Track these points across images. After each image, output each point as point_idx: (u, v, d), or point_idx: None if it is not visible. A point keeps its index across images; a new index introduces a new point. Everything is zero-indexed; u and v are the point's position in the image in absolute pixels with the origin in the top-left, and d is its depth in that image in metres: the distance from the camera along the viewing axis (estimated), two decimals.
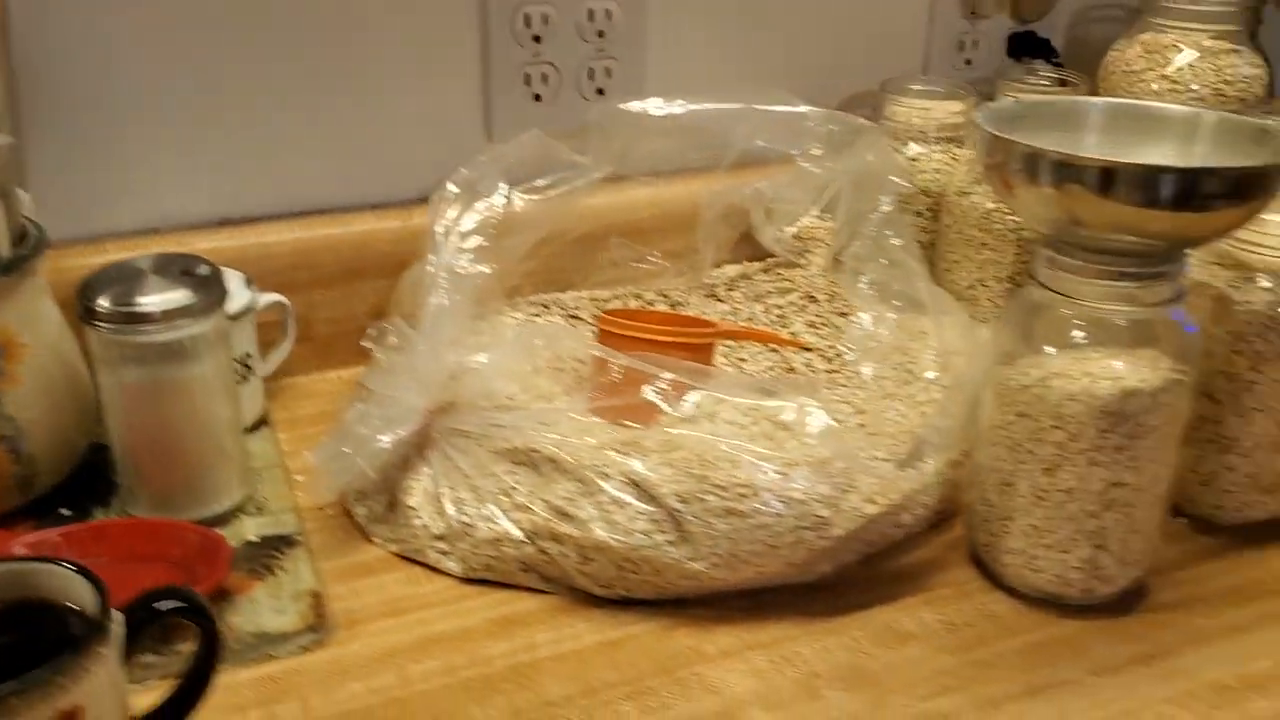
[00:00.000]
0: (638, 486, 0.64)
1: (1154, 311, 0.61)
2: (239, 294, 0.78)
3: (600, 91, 0.92)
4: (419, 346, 0.69)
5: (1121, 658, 0.62)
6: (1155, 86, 0.93)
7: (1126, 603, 0.66)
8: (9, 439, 0.67)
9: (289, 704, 0.58)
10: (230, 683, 0.59)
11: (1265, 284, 0.67)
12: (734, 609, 0.65)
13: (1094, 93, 0.97)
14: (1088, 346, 0.62)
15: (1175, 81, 0.92)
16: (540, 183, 0.81)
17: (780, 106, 0.80)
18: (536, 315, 0.86)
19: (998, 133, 0.59)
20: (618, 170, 0.83)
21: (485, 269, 0.72)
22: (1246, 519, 0.72)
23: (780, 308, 0.89)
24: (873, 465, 0.66)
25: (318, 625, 0.63)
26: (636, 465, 0.64)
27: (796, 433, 0.66)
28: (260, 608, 0.64)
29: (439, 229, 0.74)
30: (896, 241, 0.78)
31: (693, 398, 0.67)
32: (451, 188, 0.76)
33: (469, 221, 0.73)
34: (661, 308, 0.91)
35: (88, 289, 0.66)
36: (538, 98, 0.90)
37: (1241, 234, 0.68)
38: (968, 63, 1.03)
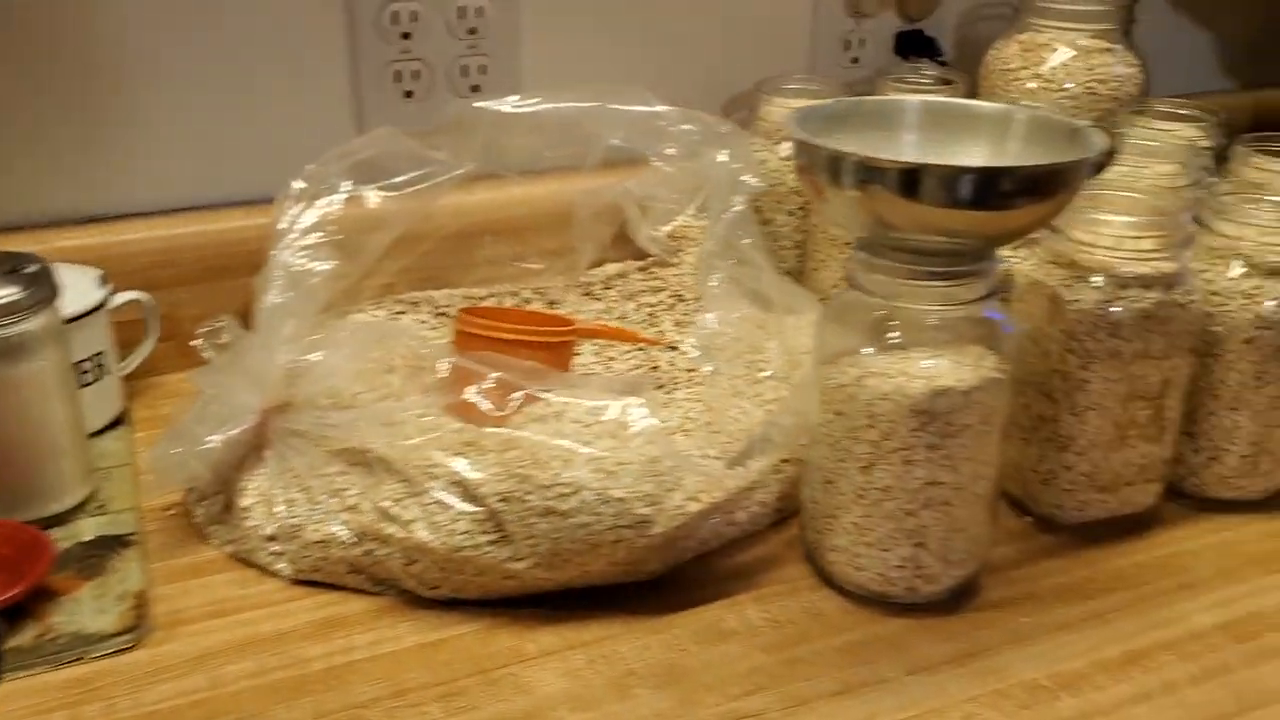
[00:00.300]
0: (462, 487, 0.64)
1: (968, 310, 0.61)
2: (90, 292, 0.78)
3: (475, 89, 0.92)
4: (253, 345, 0.69)
5: (939, 656, 0.62)
6: (1031, 85, 0.93)
7: (954, 601, 0.66)
8: None
9: (94, 706, 0.58)
10: (40, 685, 0.59)
11: (1096, 283, 0.67)
12: (562, 608, 0.65)
13: (973, 92, 0.97)
14: (904, 346, 0.62)
15: (1049, 81, 0.92)
16: (399, 179, 0.80)
17: (636, 106, 0.80)
18: (402, 313, 0.86)
19: (804, 136, 0.59)
20: (482, 167, 0.83)
21: (325, 266, 0.72)
22: (1086, 517, 0.72)
23: (651, 306, 0.89)
24: (701, 464, 0.66)
25: (137, 626, 0.63)
26: (460, 465, 0.64)
27: (642, 433, 0.66)
28: (83, 608, 0.64)
29: (282, 226, 0.74)
30: (746, 240, 0.78)
31: (516, 397, 0.66)
32: (297, 184, 0.75)
33: (309, 218, 0.73)
34: (536, 306, 0.91)
35: None
36: (409, 95, 0.90)
37: (1075, 233, 0.68)
38: (855, 61, 1.03)
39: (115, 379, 0.81)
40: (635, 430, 0.65)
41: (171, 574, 0.68)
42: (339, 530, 0.66)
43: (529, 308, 0.90)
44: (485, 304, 0.90)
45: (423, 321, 0.85)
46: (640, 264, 0.92)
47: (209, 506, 0.71)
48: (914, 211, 0.57)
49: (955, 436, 0.61)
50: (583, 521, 0.63)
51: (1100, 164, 0.64)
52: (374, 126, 0.89)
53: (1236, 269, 0.71)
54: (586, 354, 0.86)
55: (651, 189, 0.89)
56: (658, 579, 0.66)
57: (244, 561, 0.69)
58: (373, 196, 0.79)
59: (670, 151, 0.80)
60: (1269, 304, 0.69)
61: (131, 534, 0.70)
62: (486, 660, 0.62)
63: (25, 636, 0.61)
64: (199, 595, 0.66)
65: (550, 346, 0.77)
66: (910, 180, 0.56)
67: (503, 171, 0.86)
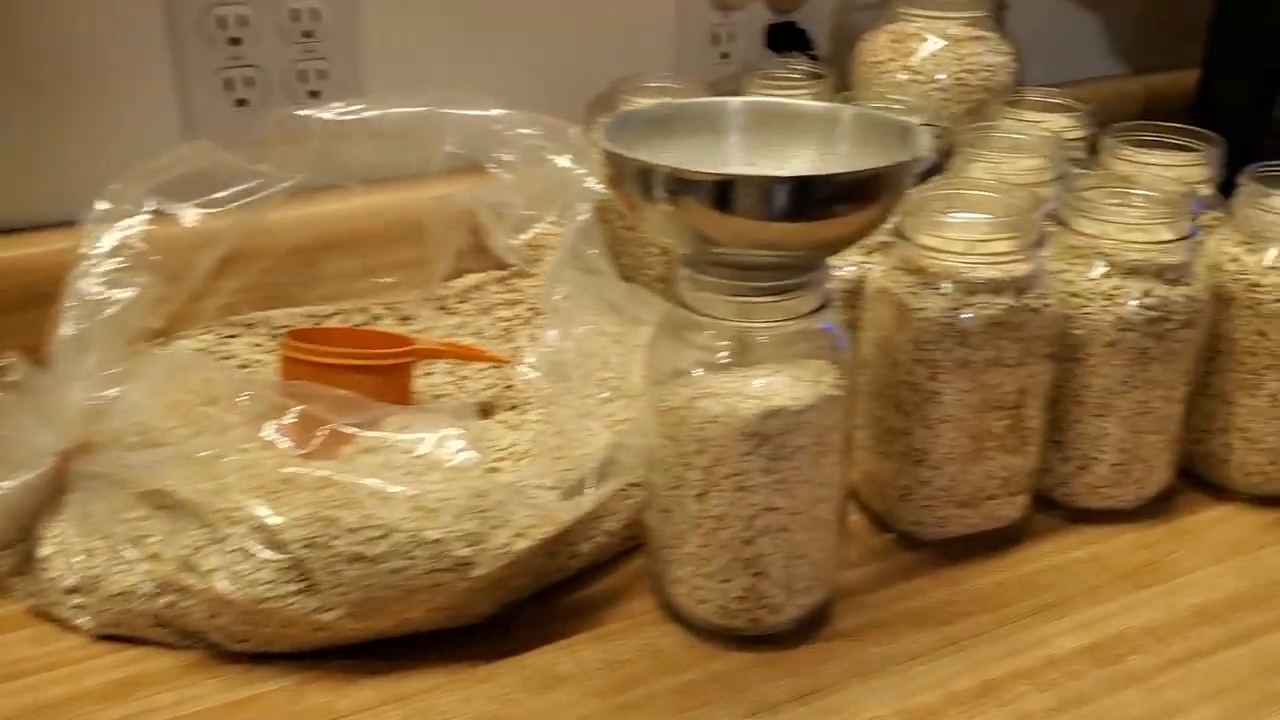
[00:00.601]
0: (264, 532, 0.59)
1: (800, 325, 0.57)
2: None
3: (314, 94, 0.87)
4: (47, 382, 0.64)
5: (780, 695, 0.58)
6: (901, 77, 0.89)
7: (802, 632, 0.62)
8: None
9: None
10: None
11: (943, 290, 0.63)
12: (383, 659, 0.61)
13: (845, 86, 0.93)
14: (735, 366, 0.57)
15: (918, 72, 0.88)
16: (221, 194, 0.75)
17: (470, 110, 0.75)
18: (235, 335, 0.81)
19: (611, 146, 0.54)
20: (317, 178, 0.78)
21: (127, 293, 0.66)
22: (948, 534, 0.68)
23: (507, 320, 0.85)
24: (533, 496, 0.62)
25: None
26: (260, 509, 0.59)
27: (459, 467, 0.61)
28: None
29: (83, 250, 0.68)
30: (593, 251, 0.74)
31: (321, 432, 0.62)
32: (101, 204, 0.70)
33: (109, 241, 0.67)
34: (388, 322, 0.86)
35: None
36: (243, 103, 0.85)
37: (921, 238, 0.64)
38: (724, 56, 0.99)
39: None
40: (453, 464, 0.60)
41: None
42: (139, 581, 0.61)
43: (377, 326, 0.85)
44: (330, 322, 0.85)
45: (257, 345, 0.80)
46: (500, 275, 0.88)
47: (9, 558, 0.65)
48: (729, 225, 0.53)
49: (789, 459, 0.57)
50: (395, 566, 0.58)
51: (936, 164, 0.60)
52: (207, 138, 0.84)
53: (1097, 269, 0.67)
54: (438, 374, 0.81)
55: (505, 196, 0.84)
56: (489, 622, 0.62)
57: (45, 616, 0.63)
58: (190, 214, 0.74)
59: (508, 157, 0.76)
60: (1131, 304, 0.66)
61: None
62: None
63: None
64: None
65: (382, 370, 0.72)
66: (721, 193, 0.52)
67: (344, 182, 0.81)
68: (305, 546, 0.58)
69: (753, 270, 0.56)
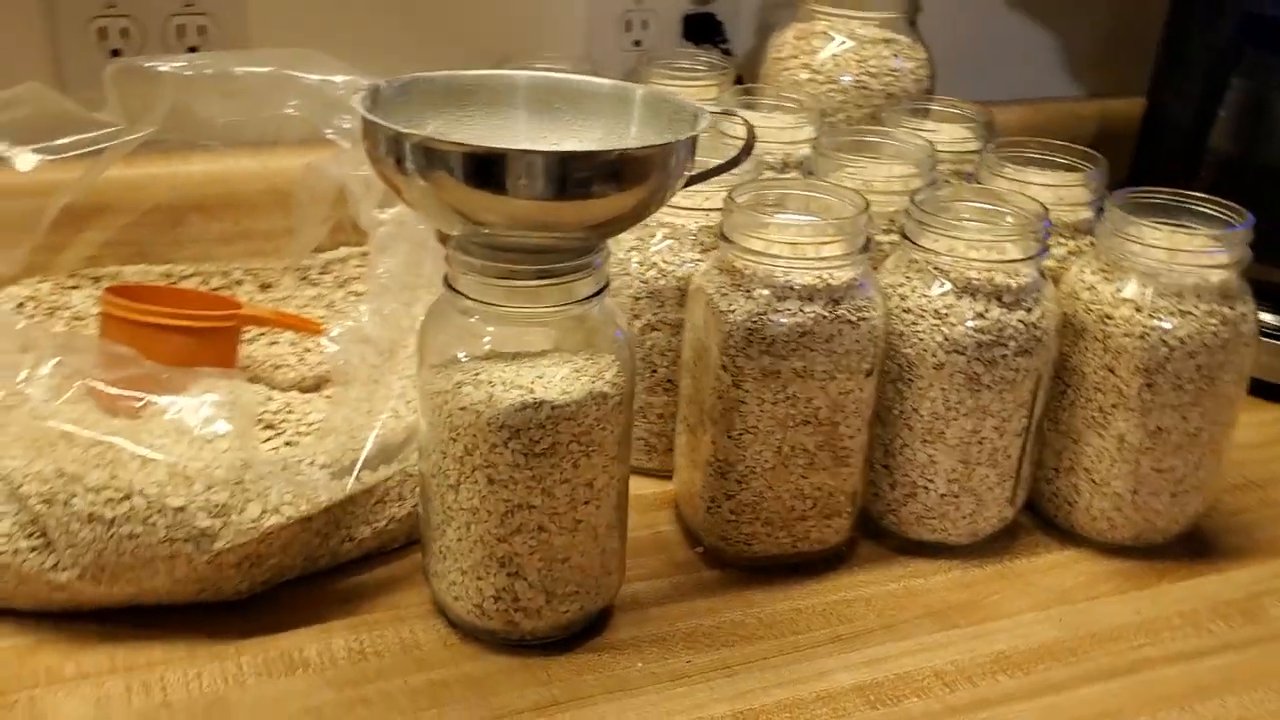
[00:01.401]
0: (5, 483, 0.57)
1: (569, 312, 0.54)
2: None
3: (193, 50, 0.85)
4: None
5: (523, 704, 0.55)
6: (801, 76, 0.85)
7: (570, 641, 0.59)
8: None
9: None
10: None
11: (753, 294, 0.60)
12: (126, 627, 0.58)
13: (744, 79, 0.89)
14: (504, 354, 0.54)
15: (818, 71, 0.85)
16: (60, 142, 0.73)
17: (314, 74, 0.73)
18: (75, 287, 0.79)
19: (364, 111, 0.51)
20: (168, 134, 0.76)
21: None
22: (757, 553, 0.65)
23: (359, 295, 0.82)
24: (299, 473, 0.59)
25: None
26: (6, 461, 0.57)
27: (209, 436, 0.59)
28: None
29: None
30: (423, 226, 0.71)
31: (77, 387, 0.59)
32: None
33: None
34: (247, 287, 0.84)
35: None
36: (116, 53, 0.83)
37: (738, 237, 0.60)
38: (637, 44, 0.96)
39: None
40: (209, 433, 0.58)
41: None
42: None
43: (237, 290, 0.83)
44: (188, 283, 0.83)
45: (98, 298, 0.78)
46: (364, 249, 0.85)
47: None
48: (482, 201, 0.50)
49: (546, 456, 0.54)
50: (131, 531, 0.56)
51: (739, 156, 0.57)
52: (77, 89, 0.83)
53: (937, 286, 0.63)
54: (283, 344, 0.79)
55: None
56: (247, 600, 0.59)
57: None
58: (25, 159, 0.72)
59: (347, 125, 0.73)
60: (962, 326, 0.62)
61: None
62: (12, 682, 0.55)
63: None
64: None
65: (199, 333, 0.70)
66: (473, 166, 0.49)
67: (202, 141, 0.79)
68: (43, 501, 0.56)
69: (519, 253, 0.53)
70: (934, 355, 0.63)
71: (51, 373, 0.59)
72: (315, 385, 0.75)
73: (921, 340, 0.63)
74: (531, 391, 0.53)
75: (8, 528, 0.57)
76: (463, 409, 0.54)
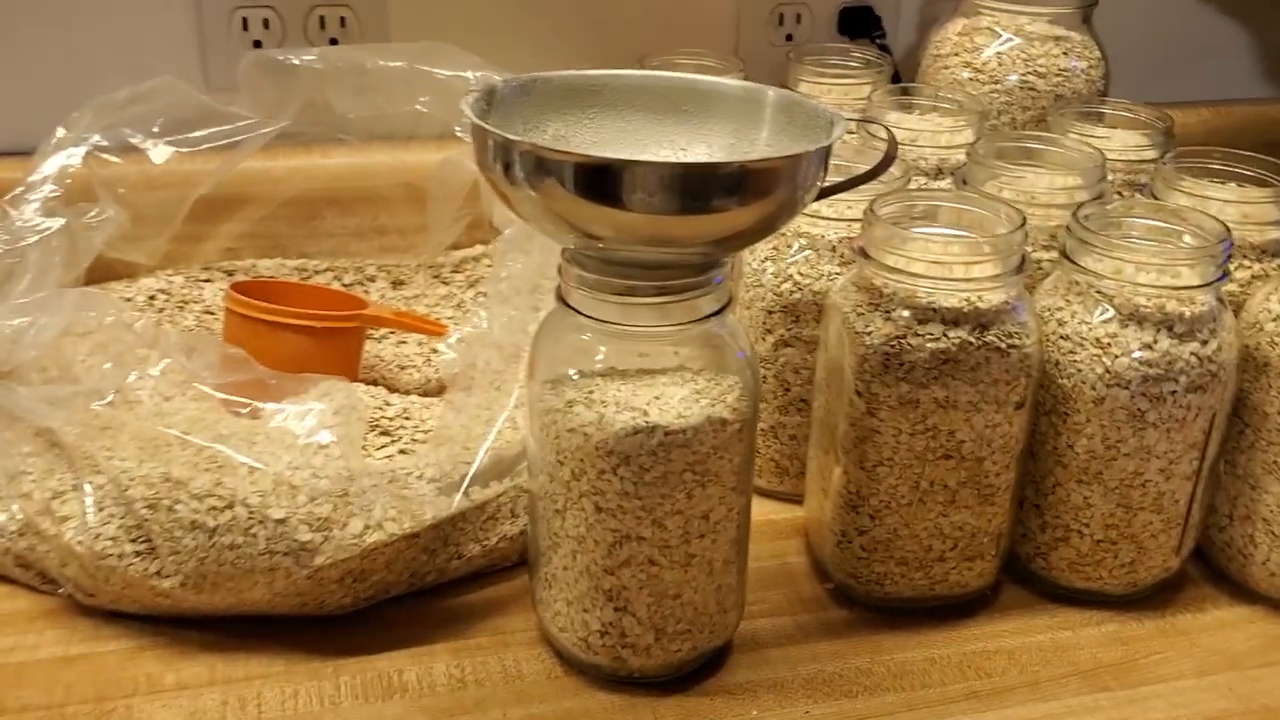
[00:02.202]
0: (117, 486, 0.56)
1: (688, 332, 0.50)
2: None
3: (334, 42, 0.84)
4: None
5: None
6: (963, 75, 0.80)
7: (683, 681, 0.55)
8: None
9: None
10: None
11: (892, 315, 0.55)
12: (229, 637, 0.57)
13: (900, 78, 0.84)
14: (620, 373, 0.51)
15: (980, 70, 0.79)
16: (196, 134, 0.73)
17: (446, 69, 0.70)
18: (208, 281, 0.79)
19: (471, 115, 0.48)
20: (303, 128, 0.75)
21: (57, 222, 0.65)
22: (889, 594, 0.60)
23: (489, 296, 0.80)
24: (406, 487, 0.57)
25: None
26: (116, 462, 0.56)
27: (314, 445, 0.57)
28: None
29: (33, 178, 0.67)
30: None
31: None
32: (60, 132, 0.69)
33: (49, 169, 0.66)
34: (381, 284, 0.83)
35: None
36: (258, 44, 0.83)
37: (878, 253, 0.55)
38: (789, 38, 0.91)
39: None
40: (313, 442, 0.56)
41: None
42: (8, 519, 0.59)
43: (369, 286, 0.82)
44: (320, 278, 0.82)
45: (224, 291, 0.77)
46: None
47: None
48: (594, 214, 0.46)
49: (657, 485, 0.50)
50: (233, 542, 0.54)
51: (881, 165, 0.52)
52: (220, 78, 0.83)
53: (1100, 312, 0.57)
54: (410, 345, 0.77)
55: None
56: (350, 615, 0.58)
57: None
58: (160, 151, 0.72)
59: None
60: (1126, 358, 0.56)
61: None
62: (113, 687, 0.54)
63: None
64: None
65: (321, 333, 0.69)
66: (583, 178, 0.46)
67: (337, 134, 0.78)
68: (148, 506, 0.55)
69: (635, 267, 0.49)
70: (1093, 388, 0.57)
71: (162, 374, 0.58)
72: (439, 389, 0.73)
73: (1080, 371, 0.57)
74: (645, 414, 0.50)
75: (114, 531, 0.56)
76: (571, 430, 0.50)
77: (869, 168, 0.53)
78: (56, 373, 0.63)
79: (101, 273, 0.75)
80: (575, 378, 0.51)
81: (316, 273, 0.82)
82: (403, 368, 0.75)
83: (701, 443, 0.50)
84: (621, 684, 0.55)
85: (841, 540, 0.60)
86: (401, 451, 0.65)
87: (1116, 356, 0.56)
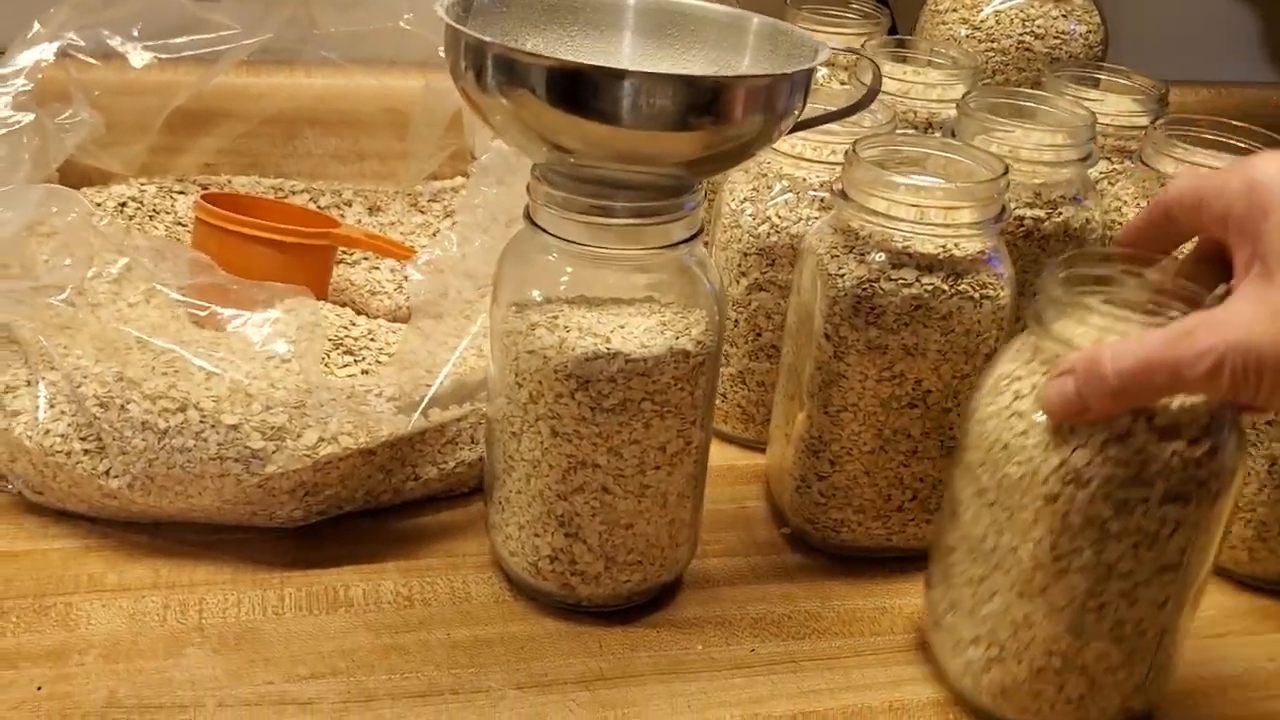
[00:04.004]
0: (70, 383, 0.55)
1: (656, 258, 0.49)
2: None
3: None
4: None
5: (568, 673, 0.51)
6: (960, 31, 0.79)
7: (630, 613, 0.55)
8: None
9: None
10: None
11: (869, 257, 0.54)
12: (176, 543, 0.56)
13: (895, 30, 0.83)
14: (584, 299, 0.50)
15: (977, 28, 0.78)
16: (177, 41, 0.72)
17: None
18: (181, 193, 0.78)
19: (447, 17, 0.47)
20: (285, 42, 0.74)
21: (26, 117, 0.63)
22: (845, 542, 0.59)
23: (460, 221, 0.78)
24: (364, 403, 0.56)
25: None
26: (71, 360, 0.55)
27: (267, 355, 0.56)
28: None
29: (3, 70, 0.66)
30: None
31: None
32: (36, 27, 0.67)
33: (22, 63, 0.64)
34: (357, 209, 0.81)
35: None
36: None
37: (858, 195, 0.54)
38: None
39: None
40: (268, 350, 0.55)
41: None
42: None
43: (345, 210, 0.80)
44: (297, 199, 0.81)
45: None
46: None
47: None
48: (567, 126, 0.46)
49: (615, 413, 0.50)
50: (183, 445, 0.53)
51: (861, 102, 0.51)
52: None
53: None
54: (384, 270, 0.76)
55: None
56: (301, 529, 0.57)
57: None
58: (139, 56, 0.70)
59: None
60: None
61: None
62: (53, 584, 0.54)
63: None
64: None
65: (289, 248, 0.68)
66: (558, 83, 0.45)
67: (320, 53, 0.77)
68: (99, 405, 0.54)
69: (605, 187, 0.48)
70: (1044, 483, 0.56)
71: (121, 274, 0.57)
72: (409, 316, 0.72)
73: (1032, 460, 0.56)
74: (608, 341, 0.49)
75: (64, 428, 0.55)
76: (531, 352, 0.50)
77: (845, 104, 0.52)
78: (18, 269, 0.62)
79: (75, 179, 0.74)
80: (539, 300, 0.51)
81: (293, 193, 0.81)
82: (374, 293, 0.74)
83: (662, 373, 0.50)
84: (569, 611, 0.55)
85: (800, 485, 0.59)
86: (364, 372, 0.64)
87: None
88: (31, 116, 0.64)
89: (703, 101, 0.45)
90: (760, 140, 0.47)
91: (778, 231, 0.63)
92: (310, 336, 0.56)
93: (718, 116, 0.45)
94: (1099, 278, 0.48)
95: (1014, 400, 0.48)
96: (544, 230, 0.50)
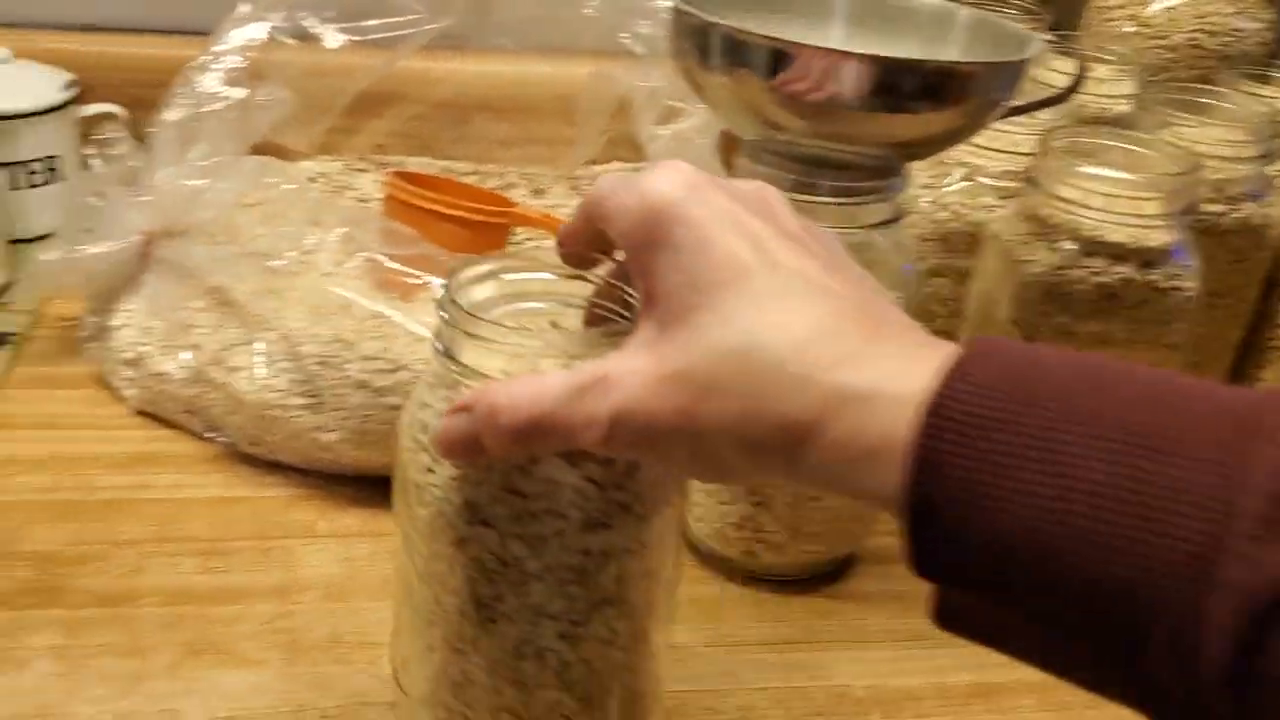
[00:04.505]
0: (288, 343, 0.59)
1: (855, 238, 0.51)
2: (50, 93, 0.77)
3: None
4: (145, 161, 0.66)
5: (754, 635, 0.54)
6: (1127, 29, 0.79)
7: (811, 583, 0.57)
8: None
9: None
10: None
11: (1059, 245, 0.55)
12: (381, 495, 0.59)
13: (1060, 27, 0.83)
14: None
15: (1146, 25, 0.78)
16: (369, 24, 0.75)
17: None
18: (363, 171, 0.81)
19: (682, 4, 0.49)
20: (465, 27, 0.77)
21: (239, 93, 0.67)
22: None
23: None
24: None
25: None
26: (291, 321, 0.59)
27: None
28: None
29: (218, 48, 0.70)
30: (702, 141, 0.69)
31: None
32: (244, 7, 0.71)
33: (234, 41, 0.68)
34: (521, 191, 0.84)
35: None
36: None
37: (1050, 183, 0.56)
38: None
39: (67, 186, 0.79)
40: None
41: (31, 380, 0.66)
42: (174, 367, 0.62)
43: (506, 193, 0.83)
44: (466, 181, 0.84)
45: (377, 182, 0.80)
46: (636, 166, 0.84)
47: (92, 324, 0.68)
48: (787, 105, 0.48)
49: None
50: (396, 403, 0.57)
51: (1061, 95, 0.52)
52: None
53: None
54: (548, 251, 0.78)
55: (665, 81, 0.80)
56: None
57: (104, 384, 0.66)
58: (333, 37, 0.74)
59: (643, 30, 0.72)
60: None
61: (12, 333, 0.69)
62: (273, 528, 0.57)
63: None
64: (42, 405, 0.64)
65: (474, 226, 0.71)
66: (780, 64, 0.47)
67: (497, 40, 0.80)
68: (318, 363, 0.58)
69: (811, 165, 0.50)
70: None
71: (339, 243, 0.61)
72: None
73: None
74: None
75: (284, 384, 0.59)
76: None
77: (1051, 94, 0.54)
78: (225, 238, 0.66)
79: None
80: None
81: (461, 175, 0.84)
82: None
83: None
84: (749, 580, 0.57)
85: None
86: None
87: None
88: (244, 92, 0.67)
89: (924, 86, 0.46)
90: (973, 127, 0.49)
91: (957, 218, 0.64)
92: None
93: (937, 101, 0.47)
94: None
95: (420, 432, 0.39)
96: None
